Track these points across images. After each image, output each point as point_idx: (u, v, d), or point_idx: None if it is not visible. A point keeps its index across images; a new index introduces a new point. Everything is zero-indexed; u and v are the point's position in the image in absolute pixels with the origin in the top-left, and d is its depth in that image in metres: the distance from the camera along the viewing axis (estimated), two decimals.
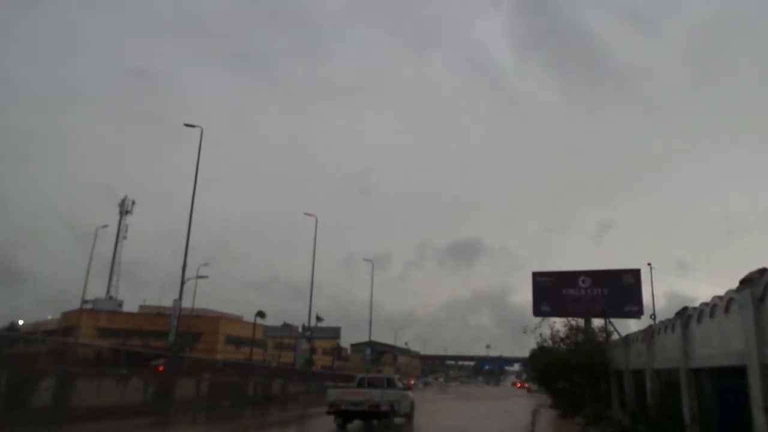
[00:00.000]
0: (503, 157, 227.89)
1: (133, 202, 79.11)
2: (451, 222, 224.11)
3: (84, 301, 55.98)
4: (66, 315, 71.94)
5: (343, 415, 18.36)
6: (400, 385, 21.36)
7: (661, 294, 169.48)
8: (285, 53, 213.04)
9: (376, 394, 18.29)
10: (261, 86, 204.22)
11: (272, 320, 70.51)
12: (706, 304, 10.29)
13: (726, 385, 9.59)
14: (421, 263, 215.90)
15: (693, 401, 11.29)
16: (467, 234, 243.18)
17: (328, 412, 18.52)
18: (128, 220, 79.26)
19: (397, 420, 19.41)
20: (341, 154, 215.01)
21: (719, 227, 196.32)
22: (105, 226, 57.38)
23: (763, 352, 7.45)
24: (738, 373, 8.44)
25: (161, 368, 31.55)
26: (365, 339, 78.44)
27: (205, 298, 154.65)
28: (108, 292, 77.07)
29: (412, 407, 21.05)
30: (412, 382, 61.34)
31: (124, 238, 78.67)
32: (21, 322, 79.09)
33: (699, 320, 10.77)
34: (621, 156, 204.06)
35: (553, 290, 34.74)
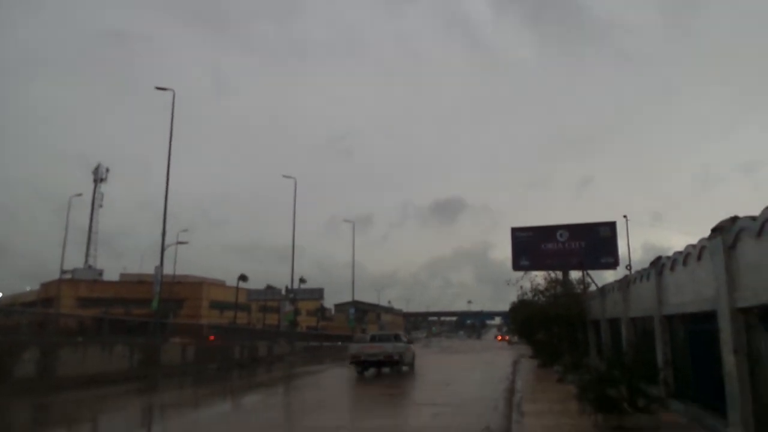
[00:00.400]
0: (482, 114, 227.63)
1: (107, 170, 77.53)
2: (432, 181, 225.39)
3: (63, 272, 55.30)
4: (45, 286, 71.14)
5: (363, 364, 23.41)
6: (404, 340, 26.29)
7: (639, 246, 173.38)
8: (257, 12, 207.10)
9: (388, 347, 23.59)
10: (234, 47, 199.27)
11: (256, 284, 70.84)
12: (679, 252, 10.54)
13: (698, 330, 9.93)
14: (403, 223, 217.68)
15: (666, 347, 11.70)
16: (449, 193, 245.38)
17: (351, 362, 23.67)
18: (104, 188, 77.84)
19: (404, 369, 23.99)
20: (319, 114, 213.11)
21: (696, 178, 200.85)
22: (79, 195, 56.29)
23: (733, 297, 7.69)
24: (709, 318, 8.74)
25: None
26: (349, 299, 79.41)
27: (188, 264, 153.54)
28: (86, 261, 76.18)
29: (413, 357, 26.24)
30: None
31: (100, 206, 77.33)
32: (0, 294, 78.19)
33: (672, 269, 11.05)
34: (599, 110, 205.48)
35: (531, 245, 35.24)
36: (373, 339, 26.15)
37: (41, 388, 17.74)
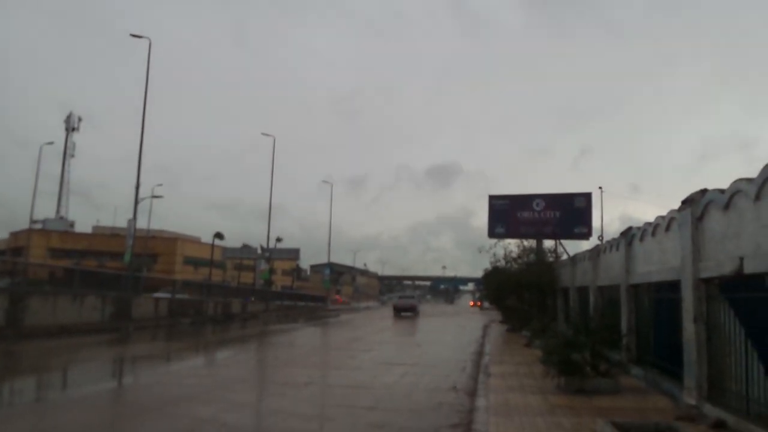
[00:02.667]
0: (479, 78, 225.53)
1: (80, 119, 75.07)
2: (430, 146, 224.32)
3: (33, 221, 54.16)
4: (14, 235, 69.71)
5: (399, 310, 45.32)
6: (417, 298, 53.46)
7: (617, 217, 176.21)
8: None
9: (413, 301, 48.34)
10: None
11: (235, 242, 70.46)
12: (649, 224, 10.74)
13: (661, 298, 10.23)
14: (396, 186, 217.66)
15: (631, 315, 12.05)
16: (446, 158, 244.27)
17: (394, 309, 46.54)
18: (78, 138, 75.75)
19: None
20: (313, 72, 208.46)
21: (688, 153, 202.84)
22: (50, 143, 54.73)
23: (697, 267, 7.90)
24: (673, 288, 8.99)
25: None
26: (339, 260, 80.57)
27: (168, 219, 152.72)
28: (58, 212, 74.69)
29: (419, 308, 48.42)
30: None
31: (72, 156, 75.29)
32: None
33: (642, 239, 11.29)
34: (597, 80, 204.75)
35: (508, 213, 35.53)
36: (402, 297, 52.49)
37: (10, 336, 17.61)
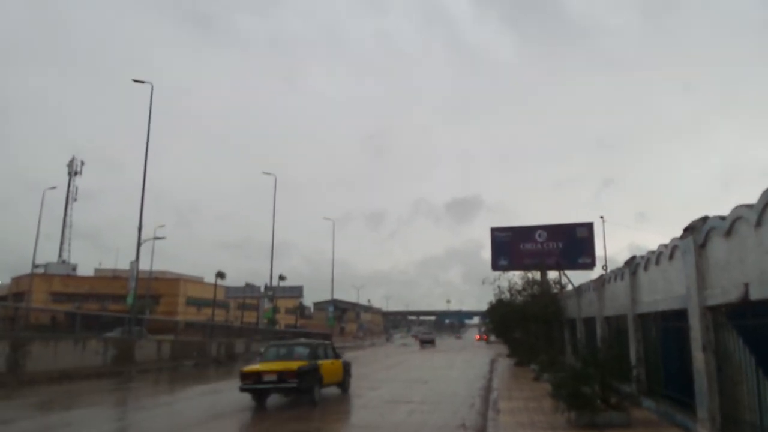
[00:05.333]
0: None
1: (82, 163, 75.96)
2: (450, 180, 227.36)
3: (35, 266, 54.11)
4: (16, 280, 69.60)
5: (422, 342, 62.34)
6: (434, 334, 72.96)
7: (626, 246, 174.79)
8: (235, 5, 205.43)
9: (432, 336, 68.01)
10: (211, 43, 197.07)
11: (239, 281, 70.20)
12: (653, 252, 10.70)
13: (669, 327, 10.11)
14: (413, 221, 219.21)
15: (639, 344, 11.88)
16: (466, 192, 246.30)
17: (417, 340, 70.41)
18: (79, 181, 76.45)
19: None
20: (329, 112, 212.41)
21: (689, 180, 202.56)
22: (53, 188, 55.10)
23: (703, 295, 7.83)
24: (680, 316, 8.89)
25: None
26: (338, 297, 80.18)
27: (175, 259, 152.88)
28: (60, 255, 74.72)
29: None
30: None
31: (74, 200, 75.91)
32: None
33: (646, 268, 11.22)
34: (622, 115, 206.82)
35: (510, 245, 35.51)
36: (425, 333, 69.35)
37: (11, 382, 17.38)
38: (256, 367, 13.67)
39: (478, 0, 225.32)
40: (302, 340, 17.78)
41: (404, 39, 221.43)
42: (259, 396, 13.32)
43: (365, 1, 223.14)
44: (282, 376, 12.78)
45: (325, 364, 14.24)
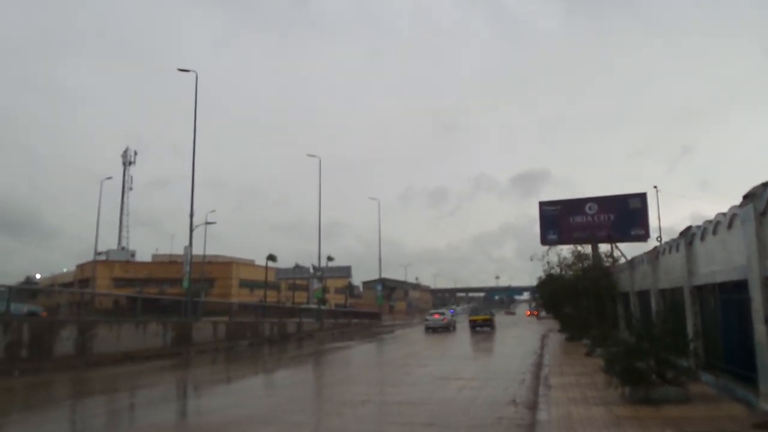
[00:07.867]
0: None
1: (135, 153, 78.93)
2: (515, 154, 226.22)
3: (97, 253, 56.81)
4: (81, 267, 73.34)
5: (474, 324, 43.62)
6: (492, 312, 49.57)
7: (688, 215, 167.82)
8: None
9: (487, 314, 46.17)
10: (247, 23, 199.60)
11: (291, 262, 71.72)
12: (709, 221, 10.26)
13: (728, 299, 9.71)
14: (474, 197, 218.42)
15: (696, 318, 11.49)
16: (532, 165, 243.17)
17: (470, 320, 45.39)
18: (134, 170, 79.58)
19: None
20: (349, 94, 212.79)
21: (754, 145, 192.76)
22: (109, 178, 57.32)
23: (764, 265, 7.47)
24: (739, 287, 8.53)
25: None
26: (394, 275, 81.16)
27: (228, 242, 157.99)
28: (119, 243, 78.15)
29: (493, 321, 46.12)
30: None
31: (130, 189, 79.09)
32: (38, 276, 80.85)
33: (703, 238, 10.78)
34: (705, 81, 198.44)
35: (560, 218, 34.74)
36: (475, 311, 54.84)
37: (80, 364, 18.40)
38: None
39: None
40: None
41: (448, 17, 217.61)
42: None
43: None
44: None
45: None
